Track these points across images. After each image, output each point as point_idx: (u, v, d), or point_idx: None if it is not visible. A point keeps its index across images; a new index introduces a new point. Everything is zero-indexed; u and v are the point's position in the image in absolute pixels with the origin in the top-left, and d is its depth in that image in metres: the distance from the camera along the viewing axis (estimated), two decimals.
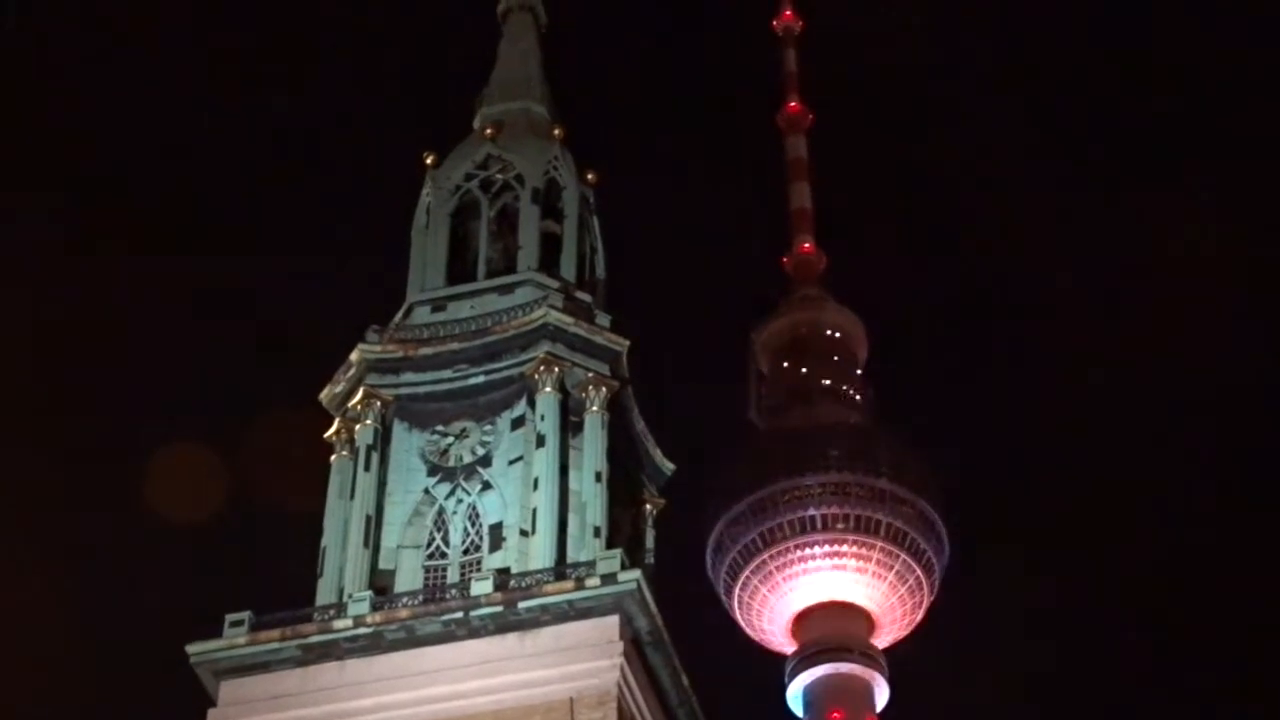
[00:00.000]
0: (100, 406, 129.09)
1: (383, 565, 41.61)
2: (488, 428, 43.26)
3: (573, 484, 42.04)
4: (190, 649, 39.81)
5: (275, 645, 39.49)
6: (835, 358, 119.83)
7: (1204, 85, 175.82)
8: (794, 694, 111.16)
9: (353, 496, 42.67)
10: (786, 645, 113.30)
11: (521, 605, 38.62)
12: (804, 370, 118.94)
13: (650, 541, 45.81)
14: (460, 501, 42.56)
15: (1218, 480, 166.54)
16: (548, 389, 42.84)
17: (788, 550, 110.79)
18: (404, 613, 39.38)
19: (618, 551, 39.61)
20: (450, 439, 43.35)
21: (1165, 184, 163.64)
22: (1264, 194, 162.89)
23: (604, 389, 43.44)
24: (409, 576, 41.55)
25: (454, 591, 40.17)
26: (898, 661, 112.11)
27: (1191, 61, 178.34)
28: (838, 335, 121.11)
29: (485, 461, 42.80)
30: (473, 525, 42.25)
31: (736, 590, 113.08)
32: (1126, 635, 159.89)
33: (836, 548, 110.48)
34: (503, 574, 39.81)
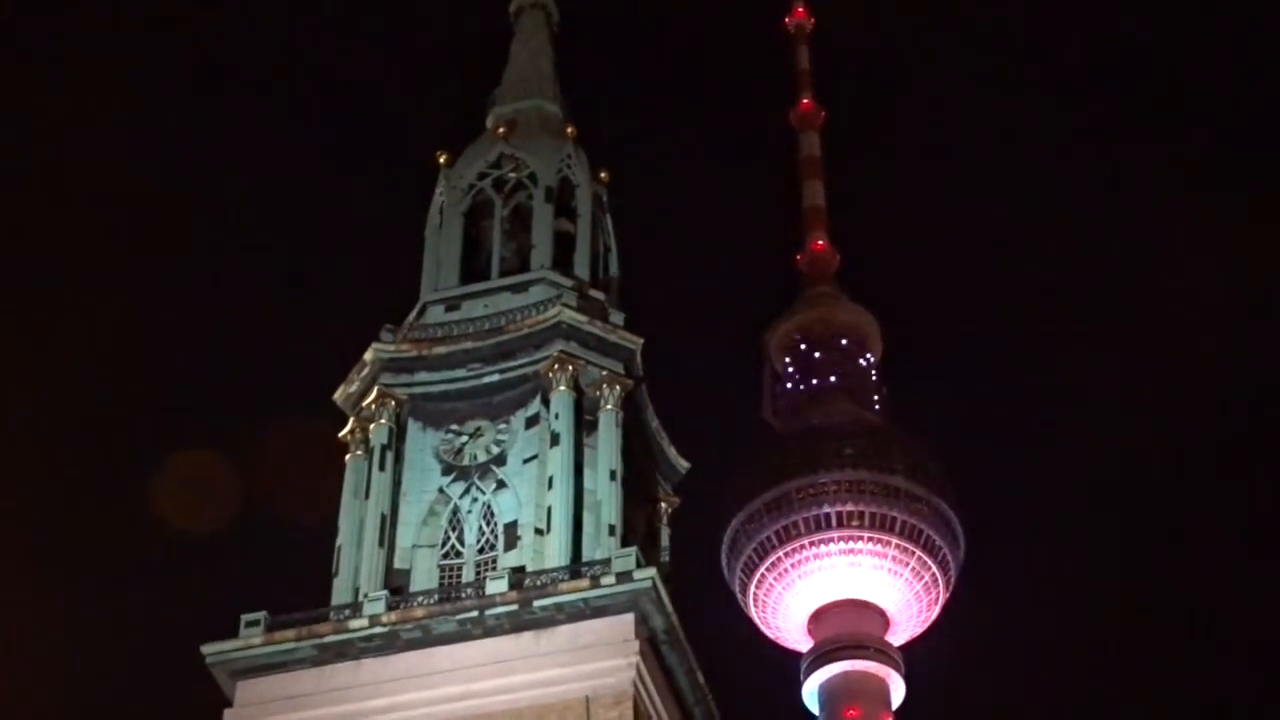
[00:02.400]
0: (112, 404, 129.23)
1: (398, 565, 41.64)
2: (502, 426, 43.23)
3: (587, 482, 42.01)
4: (206, 649, 39.88)
5: (291, 645, 39.56)
6: (849, 355, 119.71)
7: (1210, 85, 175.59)
8: (810, 691, 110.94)
9: (368, 496, 42.67)
10: (802, 643, 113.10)
11: (537, 604, 38.61)
12: (818, 368, 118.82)
13: (665, 539, 45.77)
14: (475, 500, 42.53)
15: (1226, 482, 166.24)
16: (562, 387, 42.81)
17: (803, 547, 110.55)
18: (419, 612, 39.39)
19: (633, 550, 39.57)
20: (465, 438, 43.33)
21: (1175, 185, 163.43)
22: (1268, 195, 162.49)
23: (618, 387, 43.39)
24: (424, 576, 41.55)
25: (469, 590, 40.15)
26: (914, 659, 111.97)
27: (1196, 62, 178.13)
28: (851, 333, 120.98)
29: (500, 460, 42.78)
30: (488, 524, 42.22)
31: (752, 588, 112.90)
32: (1138, 636, 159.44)
33: (852, 545, 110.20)
34: (518, 573, 39.79)
